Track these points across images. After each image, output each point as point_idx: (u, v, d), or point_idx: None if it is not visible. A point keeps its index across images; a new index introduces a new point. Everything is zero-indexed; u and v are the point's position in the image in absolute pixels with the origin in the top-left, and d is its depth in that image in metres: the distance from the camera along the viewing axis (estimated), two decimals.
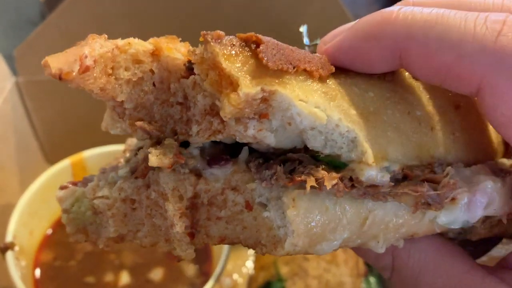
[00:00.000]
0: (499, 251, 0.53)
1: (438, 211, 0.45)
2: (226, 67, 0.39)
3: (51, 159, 1.08)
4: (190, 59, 0.42)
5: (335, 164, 0.43)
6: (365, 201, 0.44)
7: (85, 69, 0.40)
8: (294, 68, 0.41)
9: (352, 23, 0.45)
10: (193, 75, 0.42)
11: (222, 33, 0.40)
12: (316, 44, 0.51)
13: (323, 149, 0.42)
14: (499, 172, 0.48)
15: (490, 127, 0.52)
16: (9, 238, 0.83)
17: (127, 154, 0.52)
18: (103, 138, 0.83)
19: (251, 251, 1.09)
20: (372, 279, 1.03)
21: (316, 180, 0.41)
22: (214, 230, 0.46)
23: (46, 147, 1.11)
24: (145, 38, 0.45)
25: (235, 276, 1.05)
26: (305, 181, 0.41)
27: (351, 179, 0.42)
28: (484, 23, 0.38)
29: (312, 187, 0.41)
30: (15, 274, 0.79)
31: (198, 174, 0.45)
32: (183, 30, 1.02)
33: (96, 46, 0.41)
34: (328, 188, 0.41)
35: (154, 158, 0.43)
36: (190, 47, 0.43)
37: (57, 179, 0.95)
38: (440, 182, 0.44)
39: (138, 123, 0.45)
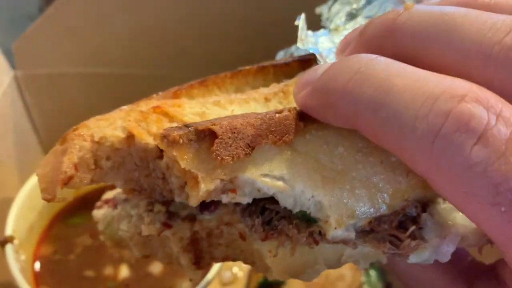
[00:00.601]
0: None
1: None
2: (185, 167, 0.41)
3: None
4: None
5: (307, 218, 0.44)
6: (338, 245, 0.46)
7: (68, 180, 0.44)
8: (252, 149, 0.42)
9: (323, 67, 0.43)
10: (166, 158, 0.45)
11: (177, 134, 0.42)
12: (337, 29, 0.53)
13: (294, 208, 0.44)
14: None
15: None
16: (8, 231, 0.83)
17: None
18: None
19: None
20: (373, 273, 1.03)
21: (287, 236, 0.45)
22: (217, 253, 0.51)
23: (45, 142, 1.10)
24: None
25: (235, 269, 1.05)
26: (276, 237, 0.45)
27: (320, 233, 0.44)
28: (426, 117, 0.34)
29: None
30: (15, 267, 0.79)
31: (193, 218, 0.49)
32: (183, 23, 1.01)
33: (75, 151, 0.45)
34: (301, 242, 0.44)
35: (145, 228, 0.49)
36: (160, 130, 0.44)
37: None
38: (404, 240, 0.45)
39: (130, 195, 0.51)
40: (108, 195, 0.58)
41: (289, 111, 0.44)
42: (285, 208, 0.44)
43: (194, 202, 0.42)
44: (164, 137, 0.42)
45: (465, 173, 0.34)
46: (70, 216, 0.99)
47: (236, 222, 0.49)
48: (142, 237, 0.51)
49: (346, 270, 1.00)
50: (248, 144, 0.42)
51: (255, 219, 0.46)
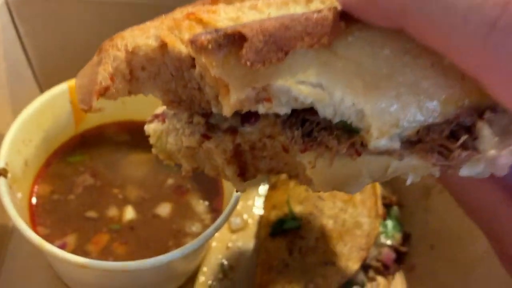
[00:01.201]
0: None
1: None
2: (215, 74, 0.40)
3: (46, 88, 0.99)
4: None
5: (349, 128, 0.43)
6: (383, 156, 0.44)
7: (104, 91, 0.45)
8: (286, 53, 0.40)
9: None
10: (198, 67, 0.44)
11: (205, 39, 0.40)
12: None
13: (334, 118, 0.42)
14: None
15: None
16: (1, 164, 0.75)
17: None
18: None
19: (261, 191, 1.03)
20: (390, 223, 0.97)
21: (327, 147, 0.43)
22: (262, 165, 0.51)
23: (39, 75, 1.02)
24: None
25: (245, 216, 0.99)
26: (316, 147, 0.44)
27: (362, 144, 0.43)
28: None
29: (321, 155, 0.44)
30: (8, 201, 0.71)
31: (234, 131, 0.49)
32: None
33: (109, 61, 0.45)
34: (343, 152, 0.43)
35: (186, 139, 0.50)
36: (191, 37, 0.43)
37: (52, 104, 0.86)
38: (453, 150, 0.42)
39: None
40: (159, 110, 0.58)
41: (329, 10, 0.41)
42: (324, 118, 0.43)
43: (227, 111, 0.41)
44: (192, 42, 0.41)
45: None
46: (69, 154, 0.90)
47: (277, 135, 0.48)
48: (189, 150, 0.52)
49: (364, 218, 0.94)
50: (281, 47, 0.40)
51: (294, 131, 0.45)
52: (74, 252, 0.76)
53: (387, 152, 0.43)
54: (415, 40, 0.39)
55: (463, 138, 0.42)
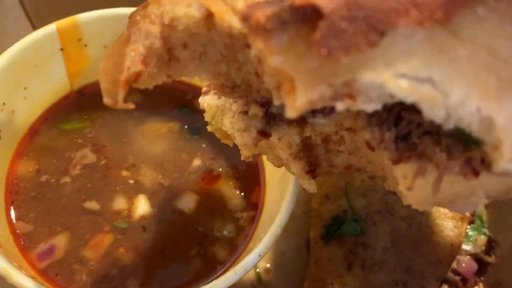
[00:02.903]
0: None
1: None
2: (276, 65, 0.32)
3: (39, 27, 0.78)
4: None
5: (465, 138, 0.35)
6: None
7: (134, 78, 0.38)
8: (382, 35, 0.31)
9: None
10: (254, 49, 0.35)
11: (263, 14, 0.31)
12: None
13: (445, 123, 0.34)
14: None
15: None
16: None
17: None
18: (100, 4, 0.67)
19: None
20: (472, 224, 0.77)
21: (431, 160, 0.36)
22: (338, 161, 0.46)
23: (32, 13, 0.83)
24: None
25: None
26: (417, 162, 0.37)
27: (483, 161, 0.36)
28: None
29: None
30: None
31: (303, 121, 0.44)
32: None
33: (140, 39, 0.38)
34: (453, 169, 0.36)
35: (239, 136, 0.45)
36: (244, 8, 0.35)
37: (40, 47, 0.66)
38: None
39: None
40: None
41: None
42: (431, 121, 0.34)
43: (292, 113, 0.33)
44: (244, 18, 0.33)
45: None
46: (63, 119, 0.69)
47: (361, 129, 0.42)
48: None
49: (447, 220, 0.76)
50: (374, 26, 0.31)
51: (385, 132, 0.38)
52: (64, 259, 0.58)
53: None
54: None
55: None
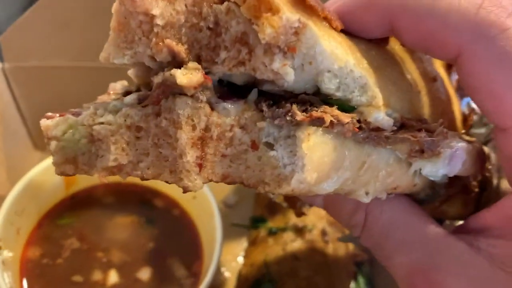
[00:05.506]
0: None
1: (426, 160, 0.49)
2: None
3: (40, 146, 1.05)
4: None
5: (344, 107, 0.45)
6: (365, 146, 0.46)
7: None
8: (322, 10, 0.42)
9: None
10: (227, 1, 0.41)
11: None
12: None
13: (336, 92, 0.44)
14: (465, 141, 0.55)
15: (455, 105, 0.60)
16: None
17: (118, 92, 0.52)
18: None
19: (241, 246, 1.08)
20: (362, 281, 1.02)
21: (332, 116, 0.42)
22: (219, 168, 0.45)
23: (34, 134, 1.08)
24: None
25: (223, 269, 1.04)
26: (321, 118, 0.42)
27: (358, 121, 0.45)
28: None
29: (324, 126, 0.42)
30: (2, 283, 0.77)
31: (211, 107, 0.44)
32: None
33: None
34: (345, 124, 0.43)
35: (182, 76, 0.41)
36: None
37: (47, 174, 0.92)
38: (435, 131, 0.49)
39: (167, 41, 0.43)
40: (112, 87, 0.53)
41: None
42: (320, 100, 0.44)
43: (267, 33, 0.39)
44: None
45: None
46: (59, 216, 0.96)
47: (256, 121, 0.44)
48: (130, 133, 0.44)
49: (336, 278, 0.99)
50: (319, 4, 0.44)
51: (291, 106, 0.43)
52: None
53: (377, 134, 0.46)
54: (389, 55, 0.49)
55: (440, 121, 0.50)
